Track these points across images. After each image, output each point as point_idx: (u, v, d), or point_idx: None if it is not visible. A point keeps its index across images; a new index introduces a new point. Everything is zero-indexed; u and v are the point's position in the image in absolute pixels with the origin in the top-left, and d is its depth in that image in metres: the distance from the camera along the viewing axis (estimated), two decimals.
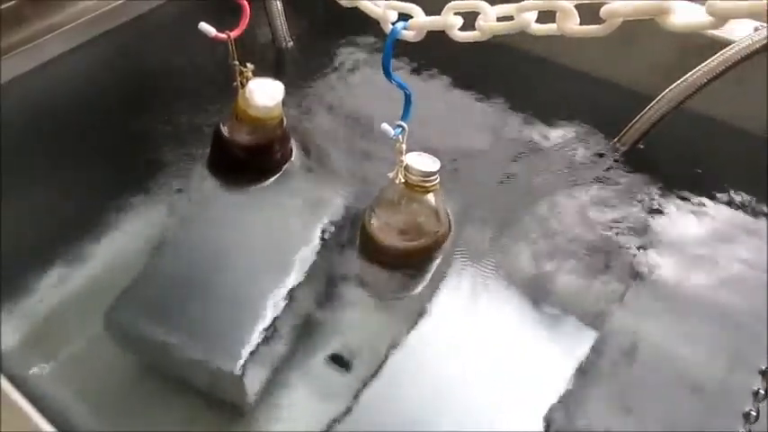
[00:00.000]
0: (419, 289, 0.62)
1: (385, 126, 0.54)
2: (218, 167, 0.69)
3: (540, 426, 0.52)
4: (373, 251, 0.62)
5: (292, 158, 0.71)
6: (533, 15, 0.43)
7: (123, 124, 0.75)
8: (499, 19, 0.45)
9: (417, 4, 0.49)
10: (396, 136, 0.55)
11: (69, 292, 0.59)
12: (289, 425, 0.52)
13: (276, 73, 0.80)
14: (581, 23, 0.42)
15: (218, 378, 0.55)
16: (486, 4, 0.44)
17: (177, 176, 0.70)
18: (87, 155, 0.71)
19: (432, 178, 0.58)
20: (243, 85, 0.62)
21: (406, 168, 0.58)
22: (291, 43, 0.86)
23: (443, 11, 0.46)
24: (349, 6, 0.50)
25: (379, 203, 0.62)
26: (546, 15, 0.44)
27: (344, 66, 0.85)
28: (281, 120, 0.66)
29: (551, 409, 0.53)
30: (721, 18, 0.36)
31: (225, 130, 0.65)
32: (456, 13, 0.46)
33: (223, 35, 0.59)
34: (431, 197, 0.60)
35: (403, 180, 0.58)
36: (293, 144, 0.72)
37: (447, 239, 0.64)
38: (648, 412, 0.53)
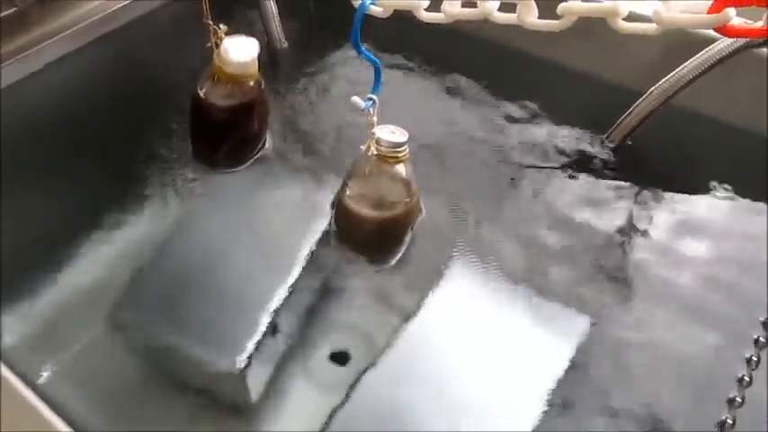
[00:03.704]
0: (404, 268, 0.67)
1: (355, 99, 0.58)
2: (198, 134, 0.73)
3: (534, 411, 0.56)
4: (349, 222, 0.67)
5: (275, 146, 0.75)
6: (496, 4, 0.46)
7: (120, 126, 0.79)
8: (464, 5, 0.48)
9: None
10: (366, 109, 0.59)
11: (70, 293, 0.63)
12: (290, 421, 0.56)
13: (271, 73, 0.84)
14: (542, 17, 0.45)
15: (219, 377, 0.59)
16: None
17: (173, 176, 0.74)
18: (85, 157, 0.76)
19: (401, 149, 0.62)
20: (217, 46, 0.65)
21: (377, 141, 0.62)
22: (286, 44, 0.91)
23: None
24: None
25: (352, 176, 0.66)
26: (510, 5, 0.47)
27: (338, 65, 0.90)
28: (259, 81, 0.69)
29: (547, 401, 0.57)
30: (666, 26, 0.39)
31: (202, 93, 0.68)
32: None
33: None
34: (401, 167, 0.64)
35: (375, 152, 0.62)
36: (272, 136, 0.76)
37: (418, 210, 0.68)
38: (638, 404, 0.57)
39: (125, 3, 0.84)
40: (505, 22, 0.46)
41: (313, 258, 0.67)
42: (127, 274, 0.65)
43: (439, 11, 0.50)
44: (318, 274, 0.67)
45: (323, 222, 0.71)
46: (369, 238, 0.68)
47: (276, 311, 0.63)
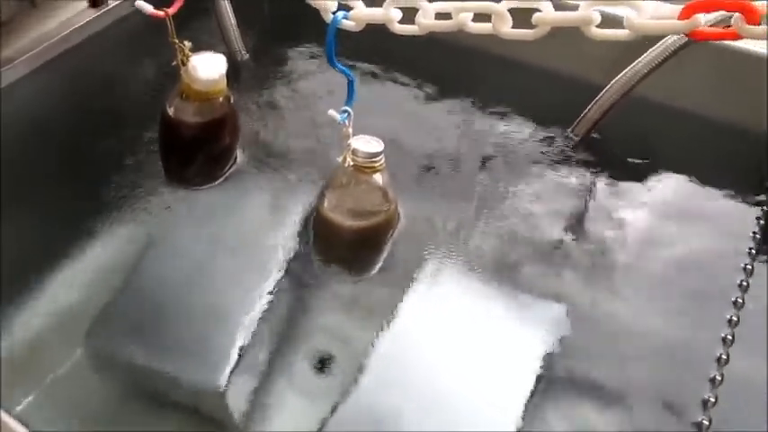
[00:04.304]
0: (381, 271, 0.69)
1: (332, 112, 0.59)
2: (168, 152, 0.72)
3: (520, 401, 0.58)
4: (329, 233, 0.68)
5: (245, 161, 0.75)
6: (470, 15, 0.47)
7: (85, 146, 0.78)
8: (438, 16, 0.49)
9: None
10: (343, 121, 0.59)
11: (45, 319, 0.63)
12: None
13: (235, 85, 0.84)
14: (516, 26, 0.46)
15: (201, 393, 0.59)
16: (426, 2, 0.48)
17: (143, 195, 0.74)
18: (51, 181, 0.74)
19: (377, 158, 0.63)
20: (184, 63, 0.65)
21: (353, 152, 0.62)
22: (247, 56, 0.92)
23: (384, 4, 0.50)
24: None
25: (330, 187, 0.67)
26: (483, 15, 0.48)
27: (301, 73, 0.91)
28: (228, 96, 0.69)
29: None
30: (638, 33, 0.41)
31: (171, 111, 0.67)
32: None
33: (160, 12, 0.61)
34: (378, 177, 0.65)
35: (351, 163, 0.63)
36: (242, 151, 0.76)
37: (397, 218, 0.69)
38: (619, 385, 0.60)
39: (79, 24, 0.81)
40: (480, 32, 0.47)
41: (289, 269, 0.68)
42: (102, 296, 0.64)
43: (411, 23, 0.51)
44: (296, 285, 0.67)
45: (297, 233, 0.71)
46: (349, 248, 0.69)
47: (255, 324, 0.63)
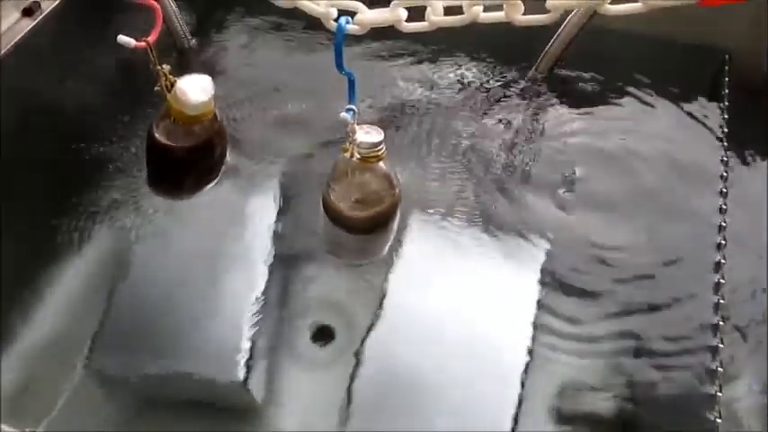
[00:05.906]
0: (393, 249, 0.70)
1: (344, 115, 0.60)
2: (161, 174, 0.71)
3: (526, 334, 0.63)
4: (341, 225, 0.70)
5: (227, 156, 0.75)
6: (481, 7, 0.49)
7: (50, 158, 0.75)
8: (447, 11, 0.50)
9: None
10: (353, 120, 0.61)
11: (42, 344, 0.62)
12: (300, 415, 0.59)
13: (186, 73, 0.82)
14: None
15: (212, 390, 0.60)
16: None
17: (126, 205, 0.72)
18: (21, 197, 0.71)
19: (380, 147, 0.65)
20: (168, 89, 0.64)
21: (357, 144, 0.64)
22: (194, 41, 0.88)
23: (391, 6, 0.51)
24: (288, 8, 0.53)
25: (336, 179, 0.68)
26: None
27: (252, 52, 0.89)
28: (215, 112, 0.68)
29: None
30: (652, 6, 0.44)
31: (161, 138, 0.66)
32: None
33: (142, 43, 0.60)
34: (381, 164, 0.67)
35: (358, 156, 0.64)
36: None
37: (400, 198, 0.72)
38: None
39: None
40: (494, 21, 0.50)
41: (281, 254, 0.69)
42: (95, 310, 0.64)
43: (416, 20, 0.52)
44: (289, 266, 0.68)
45: (283, 212, 0.72)
46: (361, 235, 0.72)
47: (255, 313, 0.64)
